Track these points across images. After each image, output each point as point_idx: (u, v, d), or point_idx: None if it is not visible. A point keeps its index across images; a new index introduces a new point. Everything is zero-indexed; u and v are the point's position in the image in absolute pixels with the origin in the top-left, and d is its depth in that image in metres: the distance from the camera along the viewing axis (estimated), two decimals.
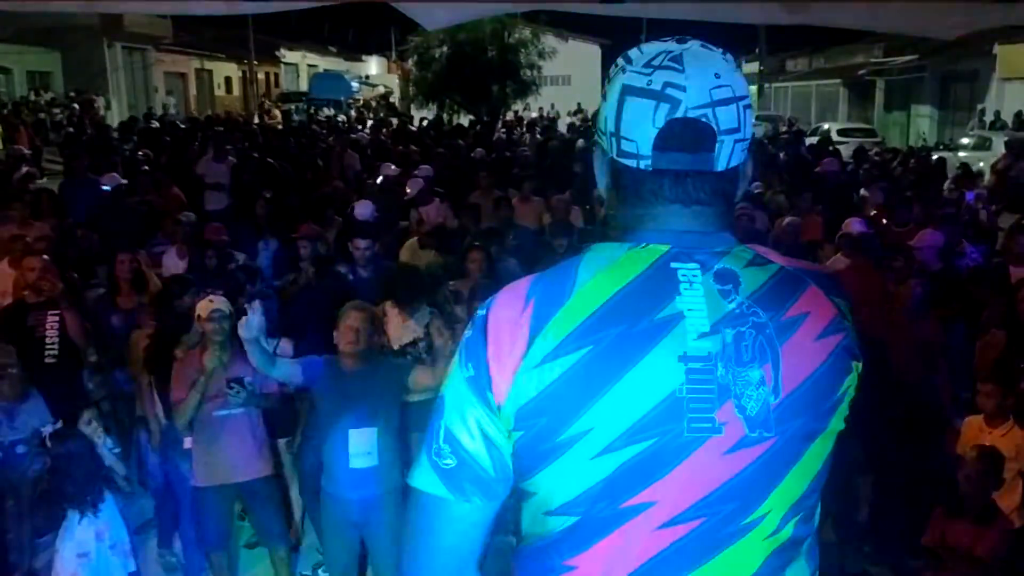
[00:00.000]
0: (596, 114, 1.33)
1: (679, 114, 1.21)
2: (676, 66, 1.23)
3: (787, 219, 7.68)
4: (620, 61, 1.29)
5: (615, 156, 1.27)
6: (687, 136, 1.21)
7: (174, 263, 7.12)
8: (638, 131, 1.23)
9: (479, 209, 8.62)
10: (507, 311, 1.22)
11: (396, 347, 5.17)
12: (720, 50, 1.29)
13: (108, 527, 4.32)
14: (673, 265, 1.22)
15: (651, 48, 1.28)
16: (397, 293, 5.27)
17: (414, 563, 1.28)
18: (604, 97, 1.29)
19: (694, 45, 1.27)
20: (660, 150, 1.22)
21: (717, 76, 1.23)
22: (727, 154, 1.24)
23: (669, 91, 1.21)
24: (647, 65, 1.24)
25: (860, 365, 1.26)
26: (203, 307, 4.56)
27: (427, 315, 5.23)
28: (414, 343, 5.19)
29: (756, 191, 9.68)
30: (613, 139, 1.26)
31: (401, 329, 5.19)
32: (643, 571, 1.20)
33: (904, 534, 4.73)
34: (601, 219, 8.00)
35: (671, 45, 1.26)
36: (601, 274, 1.21)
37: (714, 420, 1.17)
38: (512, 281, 1.29)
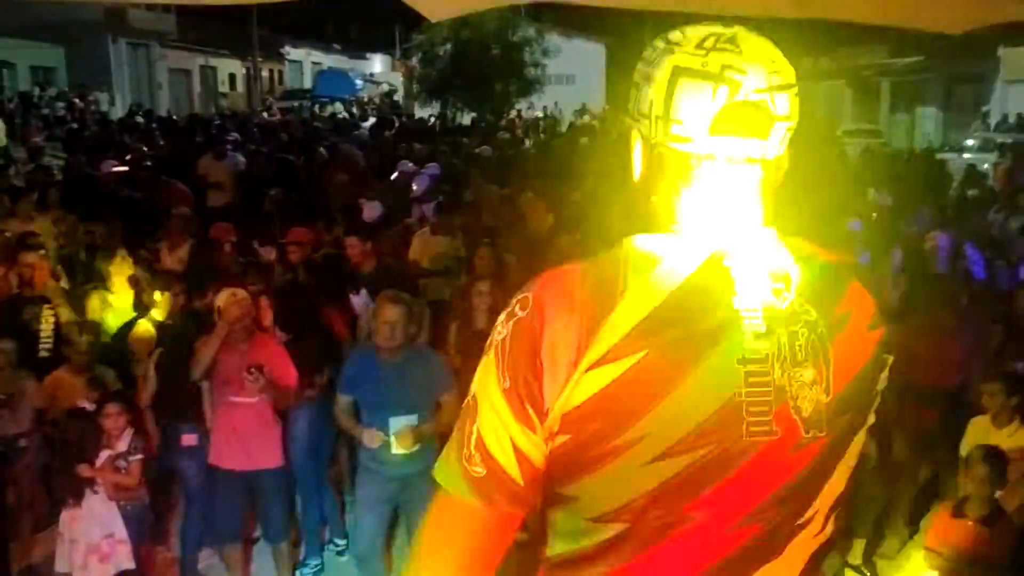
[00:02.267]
0: (634, 99, 1.26)
1: (739, 97, 1.17)
2: (732, 48, 1.18)
3: None
4: (660, 44, 1.24)
5: (662, 139, 1.21)
6: (744, 121, 1.17)
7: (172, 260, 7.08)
8: (693, 113, 1.18)
9: (480, 207, 8.61)
10: (555, 310, 1.15)
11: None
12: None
13: (107, 520, 4.32)
14: (726, 263, 1.18)
15: (696, 31, 1.22)
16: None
17: (431, 558, 1.23)
18: (645, 80, 1.23)
19: (741, 30, 1.22)
20: (715, 134, 1.18)
21: (772, 62, 1.20)
22: (778, 142, 1.21)
23: (729, 73, 1.16)
24: (698, 47, 1.19)
25: (891, 359, 1.26)
26: (223, 300, 4.61)
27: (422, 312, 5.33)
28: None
29: None
30: (660, 122, 1.20)
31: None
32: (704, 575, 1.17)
33: (909, 533, 4.71)
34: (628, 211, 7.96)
35: (718, 28, 1.21)
36: (653, 272, 1.16)
37: (771, 423, 1.15)
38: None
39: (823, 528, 1.22)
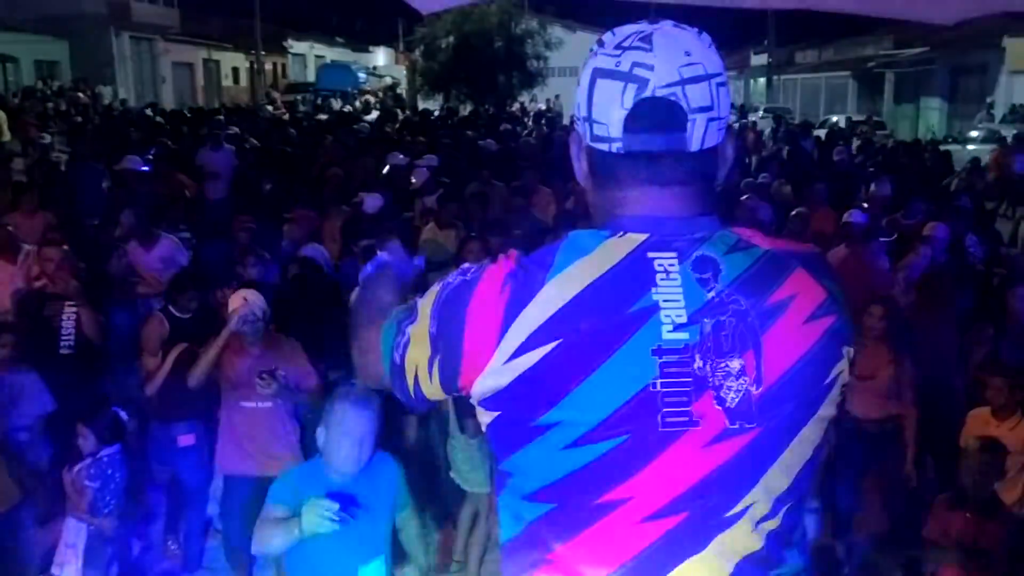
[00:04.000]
0: (575, 102, 1.31)
1: (647, 94, 1.18)
2: (645, 46, 1.20)
3: (796, 210, 7.66)
4: (594, 46, 1.26)
5: (589, 142, 1.24)
6: (656, 116, 1.18)
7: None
8: (608, 114, 1.20)
9: (486, 198, 8.61)
10: (488, 292, 1.20)
11: None
12: (695, 29, 1.25)
13: (72, 529, 4.32)
14: (650, 255, 1.18)
15: (624, 30, 1.25)
16: None
17: (363, 362, 1.44)
18: (578, 83, 1.26)
19: (666, 24, 1.24)
20: (631, 132, 1.19)
21: (688, 54, 1.19)
22: (701, 134, 1.20)
23: (636, 71, 1.18)
24: (617, 47, 1.22)
25: (852, 351, 1.23)
26: (235, 301, 4.44)
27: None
28: None
29: (763, 182, 9.65)
30: (587, 124, 1.24)
31: None
32: (632, 565, 1.18)
33: (906, 526, 4.72)
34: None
35: (643, 26, 1.24)
36: (576, 264, 1.18)
37: (691, 414, 1.14)
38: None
39: (767, 518, 1.19)
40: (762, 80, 41.44)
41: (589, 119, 1.23)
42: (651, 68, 1.18)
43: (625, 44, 1.21)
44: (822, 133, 19.95)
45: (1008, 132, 19.33)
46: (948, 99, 29.59)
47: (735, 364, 1.15)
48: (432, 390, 1.28)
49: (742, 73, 47.86)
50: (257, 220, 7.27)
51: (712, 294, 1.16)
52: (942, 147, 17.27)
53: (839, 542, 4.90)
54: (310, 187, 9.39)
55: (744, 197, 8.10)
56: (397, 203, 8.67)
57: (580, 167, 1.31)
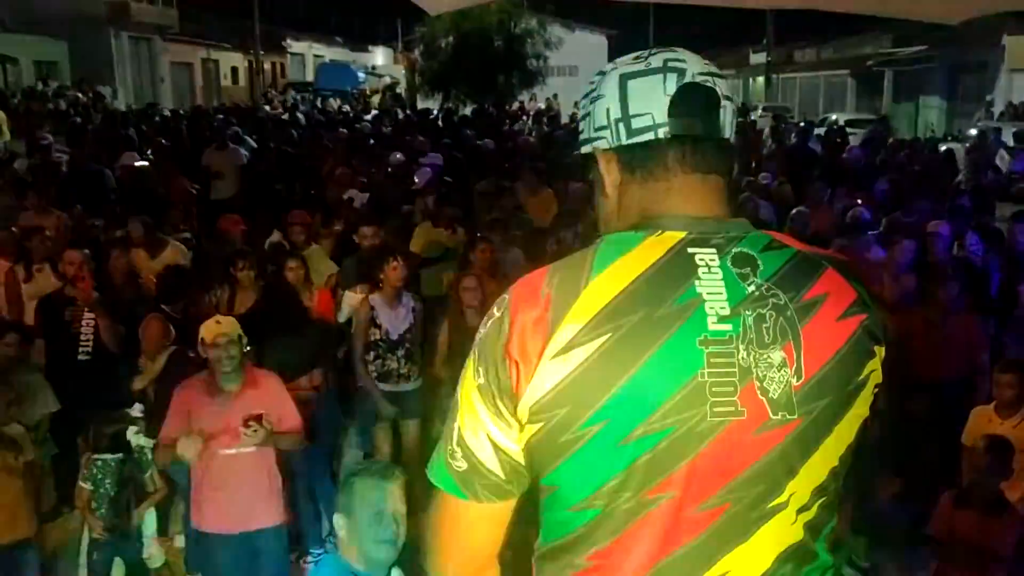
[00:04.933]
0: (587, 124, 1.34)
1: (688, 79, 1.26)
2: (665, 50, 1.31)
3: (796, 209, 7.66)
4: (598, 76, 1.34)
5: (625, 140, 1.28)
6: (698, 100, 1.26)
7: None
8: (651, 103, 1.26)
9: (492, 197, 8.61)
10: (524, 306, 1.20)
11: (395, 337, 5.24)
12: None
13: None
14: (690, 250, 1.21)
15: (626, 56, 1.34)
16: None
17: (438, 557, 1.33)
18: (594, 102, 1.32)
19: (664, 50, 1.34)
20: (675, 116, 1.25)
21: (701, 58, 1.31)
22: (729, 122, 1.30)
23: (672, 64, 1.28)
24: (636, 59, 1.31)
25: (883, 350, 1.25)
26: (208, 330, 4.03)
27: (411, 300, 5.38)
28: (410, 330, 5.26)
29: (764, 182, 9.64)
30: (620, 124, 1.28)
31: (394, 318, 5.25)
32: (672, 560, 1.18)
33: (912, 524, 4.72)
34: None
35: (642, 52, 1.33)
36: (617, 263, 1.20)
37: (736, 403, 1.16)
38: (515, 271, 1.28)
39: (803, 510, 1.21)
40: (761, 79, 41.40)
41: (624, 118, 1.28)
42: (684, 61, 1.28)
43: (642, 56, 1.31)
44: (821, 132, 19.95)
45: (1007, 130, 19.33)
46: (947, 97, 29.58)
47: (776, 356, 1.17)
48: (510, 438, 1.22)
49: (741, 72, 47.86)
50: (260, 220, 7.29)
51: (752, 288, 1.20)
52: (943, 146, 17.26)
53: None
54: (313, 187, 9.41)
55: (743, 196, 8.10)
56: (395, 202, 8.69)
57: (609, 179, 1.33)
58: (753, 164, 12.80)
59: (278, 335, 5.08)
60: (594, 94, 1.32)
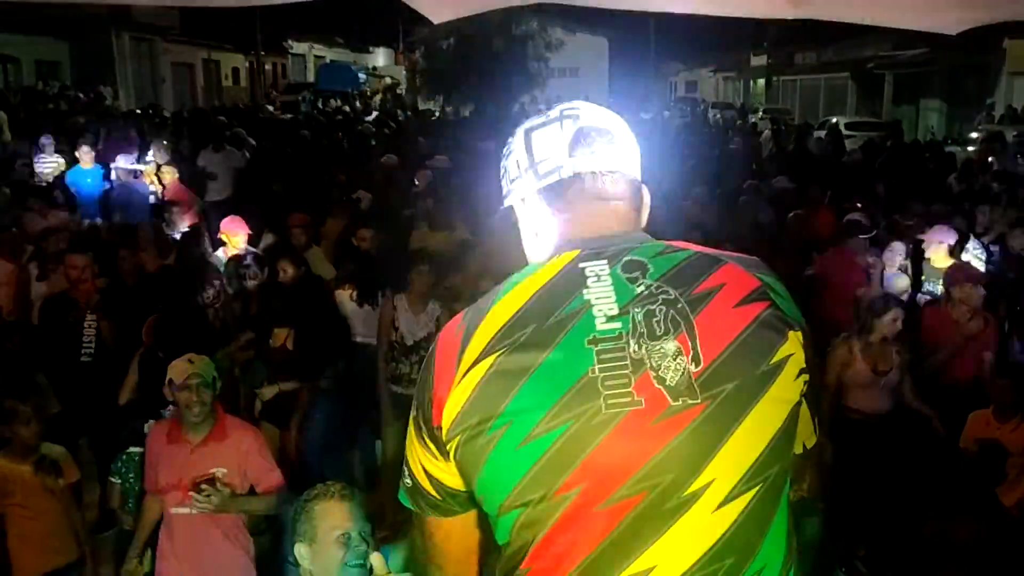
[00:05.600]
0: (506, 179, 1.48)
1: (581, 124, 1.40)
2: (564, 103, 1.46)
3: (794, 211, 7.68)
4: (509, 140, 1.48)
5: (536, 185, 1.41)
6: (592, 140, 1.39)
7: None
8: (551, 149, 1.40)
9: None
10: (445, 342, 1.32)
11: (411, 342, 5.22)
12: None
13: None
14: (581, 265, 1.31)
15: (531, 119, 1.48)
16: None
17: (425, 564, 1.47)
18: (507, 158, 1.46)
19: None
20: (573, 155, 1.39)
21: (597, 108, 1.45)
22: (626, 158, 1.42)
23: (567, 113, 1.42)
24: (538, 115, 1.47)
25: (800, 335, 1.28)
26: (177, 370, 3.57)
27: (437, 309, 5.29)
28: (427, 338, 5.24)
29: (779, 186, 9.54)
30: (528, 171, 1.42)
31: (415, 324, 5.24)
32: (596, 556, 1.21)
33: (905, 528, 4.74)
34: None
35: (544, 110, 1.49)
36: (516, 288, 1.31)
37: (632, 394, 1.20)
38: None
39: (731, 498, 1.21)
40: (761, 81, 41.48)
41: (532, 165, 1.41)
42: (577, 109, 1.43)
43: (543, 111, 1.47)
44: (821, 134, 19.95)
45: (1008, 133, 19.34)
46: (948, 100, 29.59)
47: (670, 346, 1.22)
48: (438, 466, 1.33)
49: (741, 74, 47.90)
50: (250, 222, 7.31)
51: (641, 288, 1.27)
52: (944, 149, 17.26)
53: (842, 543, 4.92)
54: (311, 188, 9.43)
55: (742, 199, 8.13)
56: (392, 203, 8.73)
57: (528, 222, 1.45)
58: (754, 166, 12.83)
59: (314, 324, 5.21)
60: (507, 152, 1.47)
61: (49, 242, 6.32)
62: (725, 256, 1.33)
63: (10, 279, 6.22)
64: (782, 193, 9.25)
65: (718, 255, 1.33)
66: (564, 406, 1.20)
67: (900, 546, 4.82)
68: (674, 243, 1.35)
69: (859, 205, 7.76)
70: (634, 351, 1.22)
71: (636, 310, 1.24)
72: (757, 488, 1.23)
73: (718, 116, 32.80)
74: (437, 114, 25.73)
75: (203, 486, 3.34)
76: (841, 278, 6.17)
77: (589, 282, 1.28)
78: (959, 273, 5.54)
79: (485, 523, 1.37)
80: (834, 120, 26.70)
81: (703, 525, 1.21)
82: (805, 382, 1.28)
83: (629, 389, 1.20)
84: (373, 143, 14.80)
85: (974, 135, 20.83)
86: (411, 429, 1.36)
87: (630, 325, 1.23)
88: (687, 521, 1.21)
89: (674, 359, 1.21)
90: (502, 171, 1.49)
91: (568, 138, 1.39)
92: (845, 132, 21.97)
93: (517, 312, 1.27)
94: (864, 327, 4.93)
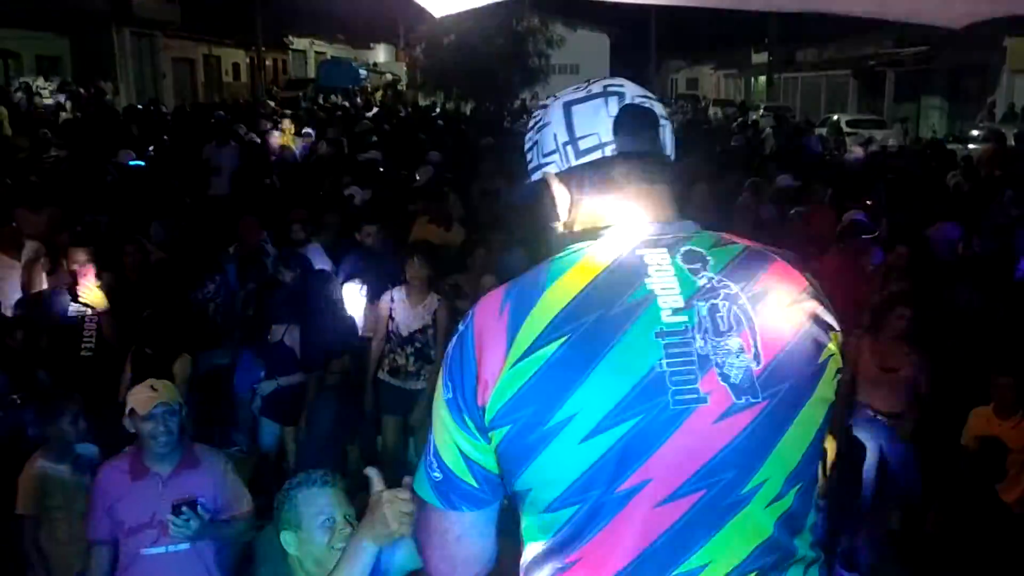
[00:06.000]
0: (535, 152, 1.42)
1: (628, 102, 1.36)
2: (604, 78, 1.42)
3: (795, 209, 7.67)
4: (539, 111, 1.44)
5: (575, 161, 1.36)
6: (638, 119, 1.36)
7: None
8: (595, 125, 1.36)
9: (496, 195, 8.63)
10: (485, 321, 1.26)
11: (405, 333, 5.24)
12: None
13: None
14: (639, 252, 1.27)
15: (566, 88, 1.44)
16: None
17: (431, 563, 1.39)
18: (539, 131, 1.41)
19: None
20: (620, 135, 1.35)
21: (639, 85, 1.42)
22: (669, 140, 1.40)
23: (611, 89, 1.38)
24: (576, 89, 1.41)
25: (838, 336, 1.29)
26: (140, 399, 3.24)
27: (436, 302, 5.30)
28: (423, 330, 5.26)
29: (782, 184, 9.51)
30: (567, 147, 1.37)
31: (411, 315, 5.25)
32: (652, 552, 1.19)
33: (910, 525, 4.74)
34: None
35: (582, 84, 1.43)
36: (571, 271, 1.26)
37: (698, 390, 1.19)
38: (517, 273, 1.32)
39: (779, 497, 1.22)
40: (762, 79, 41.40)
41: (572, 140, 1.37)
42: (622, 86, 1.39)
43: (582, 86, 1.41)
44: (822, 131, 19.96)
45: (1009, 131, 19.33)
46: (949, 98, 29.57)
47: (734, 342, 1.21)
48: (478, 448, 1.27)
49: (743, 71, 47.84)
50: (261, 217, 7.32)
51: (703, 281, 1.25)
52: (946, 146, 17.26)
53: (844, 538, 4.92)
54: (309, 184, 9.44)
55: (744, 196, 8.12)
56: (399, 199, 8.74)
57: (561, 199, 1.40)
58: (756, 163, 12.81)
59: (319, 316, 5.25)
60: (539, 124, 1.42)
61: (62, 236, 6.32)
62: (772, 252, 1.33)
63: (10, 273, 6.22)
64: (783, 191, 9.24)
65: (766, 250, 1.32)
66: (632, 401, 1.18)
67: (901, 542, 4.82)
68: (723, 235, 1.34)
69: (869, 203, 7.70)
70: (700, 347, 1.20)
71: (700, 304, 1.22)
72: (799, 486, 1.24)
73: (719, 113, 32.77)
74: (438, 110, 25.69)
75: (184, 508, 3.03)
76: (844, 277, 6.13)
77: (651, 271, 1.24)
78: None
79: (502, 521, 1.34)
80: (835, 118, 26.72)
81: (754, 522, 1.21)
82: (839, 382, 1.29)
83: (696, 385, 1.19)
84: (374, 139, 14.78)
85: (975, 133, 20.81)
86: (443, 413, 1.28)
87: (696, 319, 1.21)
88: (741, 519, 1.21)
89: (737, 356, 1.21)
90: (530, 143, 1.44)
91: (613, 115, 1.35)
92: (846, 130, 21.98)
93: (578, 295, 1.22)
94: (875, 325, 4.98)
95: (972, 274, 6.23)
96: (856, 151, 13.15)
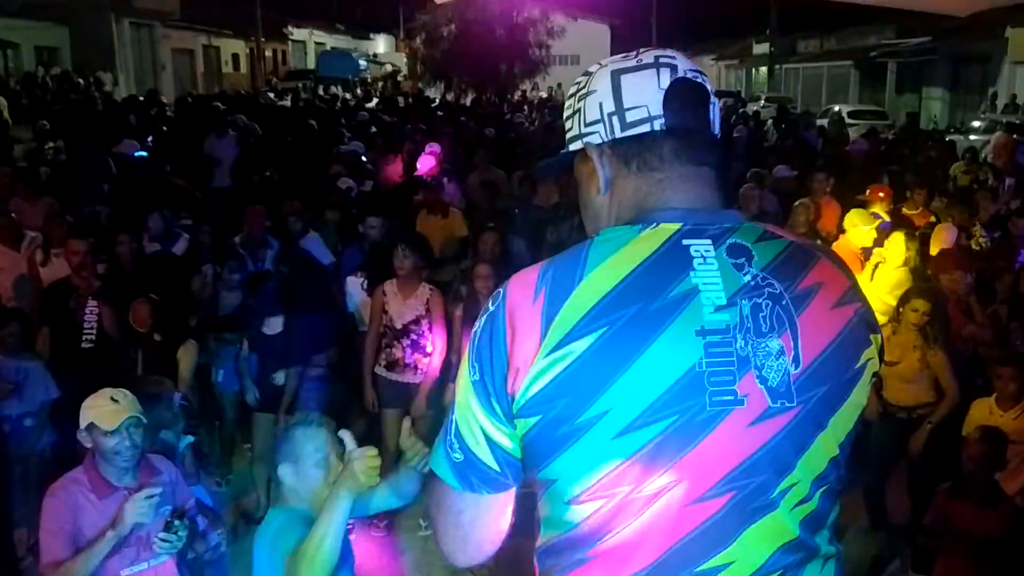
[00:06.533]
0: (577, 120, 1.34)
1: (680, 75, 1.29)
2: (654, 48, 1.33)
3: (799, 201, 7.62)
4: (584, 76, 1.36)
5: (620, 133, 1.28)
6: (690, 94, 1.29)
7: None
8: (645, 96, 1.27)
9: (496, 186, 8.62)
10: (519, 302, 1.20)
11: (399, 326, 5.23)
12: None
13: None
14: (685, 242, 1.21)
15: (614, 56, 1.36)
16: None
17: (443, 546, 1.36)
18: (583, 99, 1.32)
19: None
20: (669, 109, 1.27)
21: (687, 59, 1.33)
22: (716, 119, 1.33)
23: (663, 60, 1.30)
24: (625, 58, 1.33)
25: (879, 339, 1.26)
26: (103, 412, 3.04)
27: (427, 291, 5.30)
28: (416, 321, 5.24)
29: (781, 175, 9.49)
30: (613, 118, 1.28)
31: (403, 307, 5.24)
32: (676, 551, 1.18)
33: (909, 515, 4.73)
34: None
35: (631, 52, 1.35)
36: (612, 257, 1.20)
37: (736, 392, 1.16)
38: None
39: (806, 500, 1.21)
40: (764, 69, 41.30)
41: (619, 111, 1.28)
42: (674, 58, 1.31)
43: (631, 55, 1.32)
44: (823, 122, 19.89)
45: (1012, 121, 19.26)
46: (950, 89, 29.49)
47: (774, 344, 1.18)
48: (503, 432, 1.23)
49: (744, 62, 47.72)
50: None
51: (748, 277, 1.21)
52: (946, 138, 17.21)
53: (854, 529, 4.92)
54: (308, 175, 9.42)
55: (747, 186, 8.07)
56: (403, 191, 8.73)
57: (601, 174, 1.32)
58: (758, 154, 12.76)
59: (307, 309, 5.20)
60: (583, 91, 1.33)
61: (52, 226, 6.29)
62: (817, 249, 1.29)
63: (10, 265, 6.20)
64: (784, 182, 9.20)
65: (811, 247, 1.29)
66: (669, 399, 1.14)
67: (903, 532, 4.82)
68: (769, 228, 1.28)
69: (881, 195, 7.65)
70: (740, 347, 1.17)
71: (743, 302, 1.18)
72: (825, 488, 1.23)
73: (720, 104, 32.71)
74: (437, 101, 25.62)
75: (177, 520, 2.91)
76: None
77: (695, 263, 1.19)
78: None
79: (518, 506, 1.32)
80: (836, 108, 26.64)
81: (781, 525, 1.20)
82: (872, 385, 1.27)
83: (733, 387, 1.16)
84: (373, 130, 14.74)
85: (976, 124, 20.76)
86: (469, 395, 1.23)
87: (738, 318, 1.17)
88: (768, 521, 1.19)
89: (776, 359, 1.17)
90: (570, 111, 1.35)
91: (665, 87, 1.27)
92: (848, 121, 21.92)
93: (618, 285, 1.17)
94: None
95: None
96: (860, 142, 13.07)
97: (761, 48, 42.61)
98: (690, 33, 47.04)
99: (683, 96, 1.28)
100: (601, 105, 1.29)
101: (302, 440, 2.66)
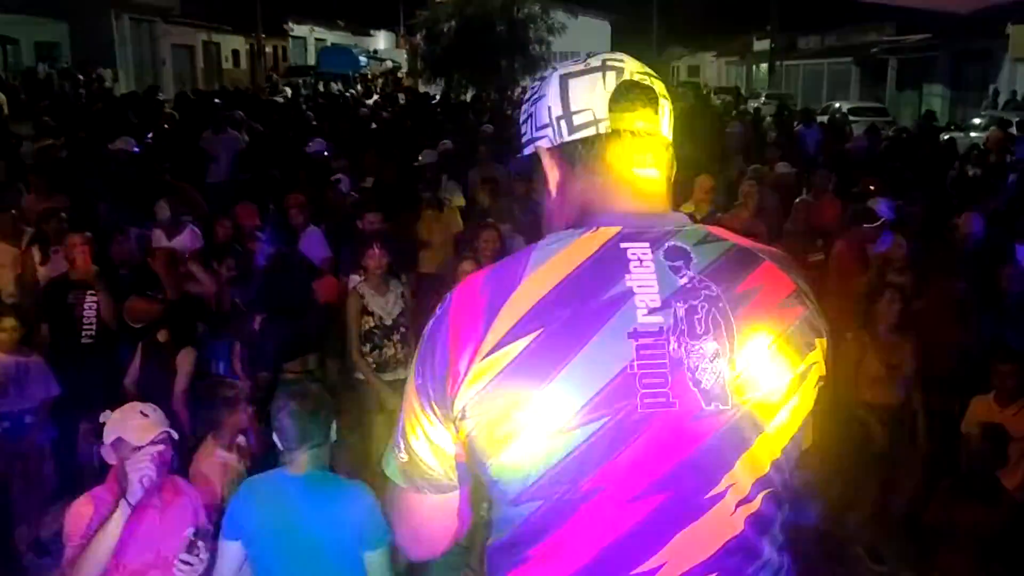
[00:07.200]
0: (529, 126, 1.37)
1: (626, 78, 1.30)
2: (604, 53, 1.35)
3: (799, 198, 7.62)
4: (538, 81, 1.38)
5: (567, 137, 1.31)
6: (636, 97, 1.30)
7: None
8: (591, 99, 1.30)
9: (496, 182, 8.62)
10: (462, 307, 1.23)
11: (389, 322, 5.22)
12: None
13: None
14: (623, 245, 1.23)
15: (566, 60, 1.37)
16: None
17: (397, 537, 1.44)
18: (534, 104, 1.36)
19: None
20: (615, 111, 1.29)
21: (636, 61, 1.35)
22: (666, 121, 1.33)
23: (610, 63, 1.32)
24: (575, 62, 1.35)
25: (825, 343, 1.26)
26: (133, 426, 2.89)
27: (399, 284, 5.36)
28: (403, 314, 5.26)
29: (781, 171, 9.46)
30: (561, 121, 1.31)
31: (385, 304, 5.25)
32: (612, 549, 1.19)
33: (910, 512, 4.74)
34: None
35: (581, 55, 1.36)
36: (551, 260, 1.22)
37: (668, 395, 1.17)
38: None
39: (746, 500, 1.20)
40: (764, 66, 41.26)
41: (566, 115, 1.31)
42: (622, 61, 1.33)
43: (581, 58, 1.35)
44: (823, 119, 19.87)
45: (1011, 119, 19.25)
46: (951, 86, 29.47)
47: (709, 347, 1.18)
48: (444, 435, 1.26)
49: (744, 59, 47.67)
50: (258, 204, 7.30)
51: (684, 280, 1.21)
52: (946, 135, 17.19)
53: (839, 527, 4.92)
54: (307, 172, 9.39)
55: (747, 182, 8.06)
56: (404, 187, 8.73)
57: (551, 176, 1.35)
58: (757, 151, 12.74)
59: (280, 314, 5.14)
60: (535, 96, 1.36)
61: (51, 224, 6.28)
62: (762, 252, 1.28)
63: (11, 261, 6.20)
64: (784, 179, 9.19)
65: (756, 250, 1.28)
66: (601, 401, 1.15)
67: (903, 531, 4.82)
68: (713, 230, 1.28)
69: (872, 188, 7.62)
70: (673, 349, 1.17)
71: (678, 304, 1.19)
72: (768, 491, 1.23)
73: (720, 101, 32.65)
74: (438, 97, 25.60)
75: (199, 544, 2.71)
76: (849, 267, 6.09)
77: (632, 266, 1.20)
78: None
79: (470, 504, 1.35)
80: (837, 105, 26.62)
81: (717, 527, 1.20)
82: (819, 389, 1.26)
83: (665, 389, 1.17)
84: (373, 126, 14.74)
85: (977, 121, 20.75)
86: (413, 397, 1.26)
87: (672, 320, 1.18)
88: (704, 522, 1.19)
89: (711, 361, 1.18)
90: (524, 116, 1.38)
91: (610, 91, 1.29)
92: (850, 118, 21.89)
93: (555, 288, 1.19)
94: (868, 318, 4.94)
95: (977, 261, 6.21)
96: (861, 139, 13.06)
97: (762, 45, 42.55)
98: (691, 29, 47.00)
99: (628, 98, 1.29)
100: (550, 109, 1.32)
101: (283, 400, 2.88)
